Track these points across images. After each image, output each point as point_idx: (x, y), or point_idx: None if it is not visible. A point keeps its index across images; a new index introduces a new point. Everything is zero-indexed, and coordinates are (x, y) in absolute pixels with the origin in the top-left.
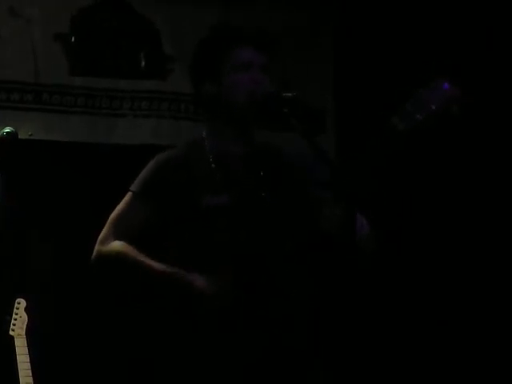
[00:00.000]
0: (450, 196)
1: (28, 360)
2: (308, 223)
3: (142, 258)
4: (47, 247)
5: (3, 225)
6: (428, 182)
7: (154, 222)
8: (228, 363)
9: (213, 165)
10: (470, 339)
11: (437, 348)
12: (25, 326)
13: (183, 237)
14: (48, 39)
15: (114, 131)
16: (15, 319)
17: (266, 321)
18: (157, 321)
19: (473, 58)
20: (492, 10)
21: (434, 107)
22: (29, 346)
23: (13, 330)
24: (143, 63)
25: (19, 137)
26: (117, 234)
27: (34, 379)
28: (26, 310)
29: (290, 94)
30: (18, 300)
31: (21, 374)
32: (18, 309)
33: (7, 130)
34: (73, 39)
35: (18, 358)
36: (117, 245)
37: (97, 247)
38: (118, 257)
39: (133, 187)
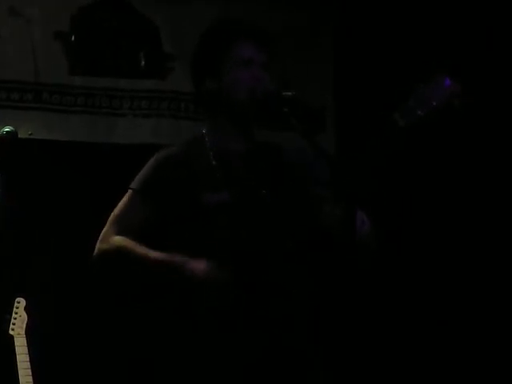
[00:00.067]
0: (450, 195)
1: (28, 359)
2: (308, 221)
3: (141, 248)
4: (47, 247)
5: (3, 225)
6: (428, 181)
7: (154, 219)
8: (228, 363)
9: (213, 162)
10: (470, 339)
11: (437, 348)
12: (24, 326)
13: (184, 234)
14: (48, 39)
15: (113, 130)
16: (15, 318)
17: (266, 320)
18: (157, 321)
19: (473, 56)
20: (492, 7)
21: (435, 103)
22: (28, 345)
23: (12, 330)
24: (143, 62)
25: (19, 136)
26: (117, 233)
27: (33, 378)
28: (26, 309)
29: (289, 94)
30: (17, 299)
31: (20, 373)
32: (17, 308)
33: (7, 129)
34: (73, 38)
35: (18, 357)
36: (117, 239)
37: (98, 245)
38: (118, 251)
39: (133, 185)
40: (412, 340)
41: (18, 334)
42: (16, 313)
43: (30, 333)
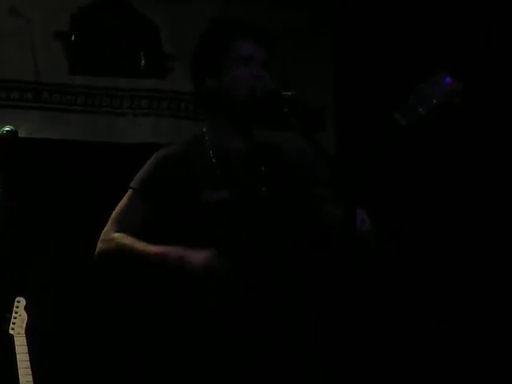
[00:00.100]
0: (450, 194)
1: (28, 359)
2: (308, 220)
3: (140, 243)
4: (47, 247)
5: (3, 225)
6: (428, 181)
7: (154, 218)
8: (228, 363)
9: (213, 160)
10: (470, 339)
11: (437, 348)
12: (24, 325)
13: (184, 233)
14: (48, 38)
15: (113, 130)
16: (15, 318)
17: (266, 320)
18: (157, 320)
19: (473, 55)
20: (492, 5)
21: (435, 101)
22: (28, 344)
23: (12, 329)
24: (143, 62)
25: (19, 135)
26: (118, 232)
27: (33, 378)
28: (26, 308)
29: (289, 93)
30: (17, 299)
31: (20, 372)
32: (17, 307)
33: (7, 128)
34: (73, 38)
35: (18, 356)
36: (116, 236)
37: (98, 245)
38: (118, 248)
39: (133, 184)
40: (412, 340)
41: (18, 333)
42: (16, 312)
43: (29, 332)
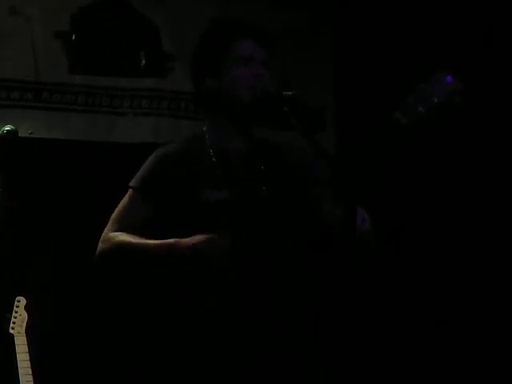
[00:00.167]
0: (450, 194)
1: (28, 358)
2: (308, 220)
3: (140, 239)
4: (47, 247)
5: (3, 225)
6: (428, 181)
7: (154, 217)
8: (228, 363)
9: (213, 159)
10: (470, 339)
11: (437, 348)
12: (25, 324)
13: (184, 232)
14: (48, 38)
15: (114, 129)
16: (15, 317)
17: (266, 320)
18: (157, 320)
19: (473, 54)
20: (492, 5)
21: (436, 100)
22: (29, 344)
23: (13, 328)
24: (143, 62)
25: (19, 135)
26: (119, 231)
27: (33, 377)
28: (26, 308)
29: (289, 93)
30: (17, 298)
31: (21, 372)
32: (17, 307)
33: (7, 128)
34: (73, 37)
35: (18, 356)
36: (116, 235)
37: (99, 245)
38: (118, 246)
39: (132, 183)
40: (412, 340)
41: (18, 332)
42: (16, 312)
43: (30, 332)
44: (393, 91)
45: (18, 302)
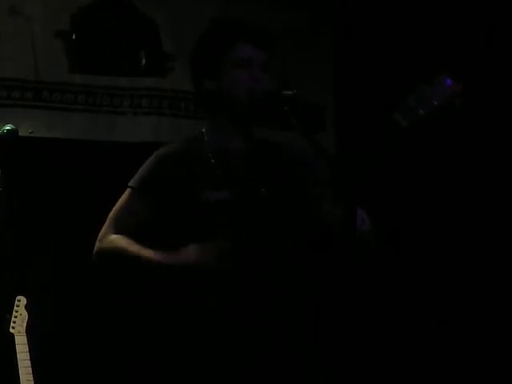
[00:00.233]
0: (450, 195)
1: (28, 357)
2: (308, 220)
3: (139, 247)
4: (47, 246)
5: (3, 225)
6: (428, 181)
7: (153, 217)
8: (228, 363)
9: (212, 160)
10: (470, 339)
11: (437, 348)
12: (25, 324)
13: (183, 232)
14: (48, 37)
15: (114, 129)
16: (15, 317)
17: (266, 320)
18: (157, 320)
19: (473, 56)
20: (492, 7)
21: (436, 102)
22: (29, 343)
23: (13, 328)
24: (143, 61)
25: (20, 134)
26: (116, 231)
27: (34, 377)
28: (26, 307)
29: (289, 92)
30: (18, 297)
31: (21, 371)
32: (18, 306)
33: (8, 127)
34: (73, 37)
35: (18, 355)
36: (115, 238)
37: (97, 244)
38: (116, 249)
39: (132, 183)
40: (412, 340)
41: (19, 332)
42: (16, 311)
43: (30, 331)
44: (393, 91)
45: (19, 301)
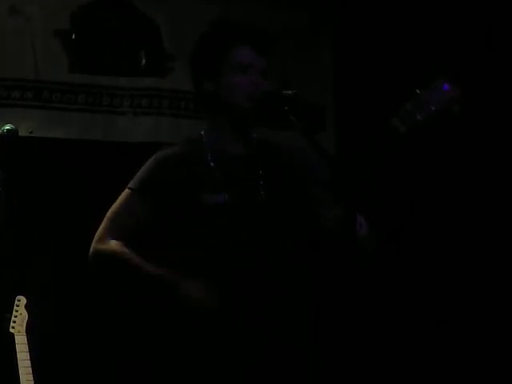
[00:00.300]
0: (449, 195)
1: (28, 357)
2: (308, 221)
3: (137, 260)
4: (47, 246)
5: (3, 225)
6: (428, 182)
7: (152, 219)
8: (228, 363)
9: (212, 163)
10: (470, 339)
11: (437, 348)
12: (25, 324)
13: (183, 234)
14: (48, 37)
15: (114, 129)
16: (15, 316)
17: (265, 320)
18: (157, 320)
19: (473, 58)
20: (492, 10)
21: (433, 108)
22: (29, 343)
23: (13, 328)
24: (143, 61)
25: (19, 134)
26: (113, 232)
27: (34, 376)
28: (27, 307)
29: (289, 92)
30: (18, 297)
31: (21, 371)
32: (18, 306)
33: (8, 127)
34: (73, 36)
35: (18, 355)
36: (113, 244)
37: (93, 245)
38: (114, 257)
39: (131, 184)
40: (412, 340)
41: (19, 331)
42: (16, 311)
43: (30, 331)
44: (393, 91)
45: (19, 301)
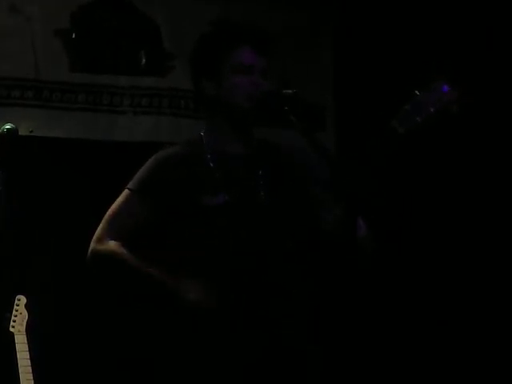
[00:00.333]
0: (449, 196)
1: (28, 357)
2: (308, 221)
3: (136, 261)
4: (47, 246)
5: (3, 225)
6: (428, 182)
7: (152, 219)
8: (228, 363)
9: (211, 163)
10: (469, 339)
11: (437, 348)
12: (25, 323)
13: (183, 235)
14: (48, 36)
15: (114, 128)
16: (15, 316)
17: (265, 320)
18: (157, 320)
19: (473, 58)
20: (492, 11)
21: (432, 109)
22: (29, 342)
23: (13, 327)
24: (144, 60)
25: (20, 133)
26: (112, 233)
27: (33, 376)
28: (26, 306)
29: (290, 91)
30: (18, 297)
31: (21, 370)
32: (18, 305)
33: (8, 126)
34: (73, 35)
35: (18, 354)
36: (112, 245)
37: (92, 245)
38: (112, 257)
39: (131, 185)
40: (412, 340)
41: (19, 331)
42: (16, 310)
43: (30, 330)
44: (393, 91)
45: (19, 300)
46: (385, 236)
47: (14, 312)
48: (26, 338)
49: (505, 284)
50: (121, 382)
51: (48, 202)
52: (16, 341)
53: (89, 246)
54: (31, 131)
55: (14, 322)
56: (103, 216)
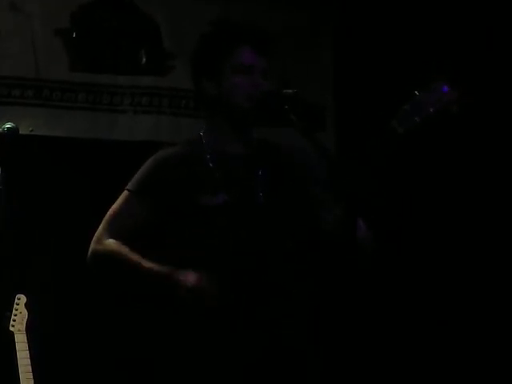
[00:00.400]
0: (449, 196)
1: (28, 356)
2: (308, 221)
3: (136, 257)
4: (47, 245)
5: (3, 224)
6: (428, 182)
7: (152, 220)
8: (228, 363)
9: (211, 163)
10: (469, 339)
11: (437, 348)
12: (25, 322)
13: (183, 235)
14: (49, 35)
15: (114, 127)
16: (15, 315)
17: (265, 320)
18: (157, 319)
19: (473, 58)
20: (492, 11)
21: (432, 109)
22: (29, 341)
23: (13, 326)
24: (144, 60)
25: (20, 132)
26: (112, 233)
27: (33, 375)
28: (26, 305)
29: (290, 91)
30: (18, 296)
31: (21, 369)
32: (18, 304)
33: (8, 125)
34: (74, 35)
35: (18, 353)
36: (111, 244)
37: (92, 246)
38: (112, 256)
39: (130, 186)
40: (412, 340)
41: (19, 330)
42: (16, 309)
43: (30, 329)
44: (393, 91)
45: (19, 299)
46: (385, 236)
47: (13, 311)
48: (25, 337)
49: (505, 284)
50: (121, 381)
51: (48, 202)
52: (16, 340)
53: (89, 245)
54: (31, 130)
55: (14, 321)
56: (103, 215)
